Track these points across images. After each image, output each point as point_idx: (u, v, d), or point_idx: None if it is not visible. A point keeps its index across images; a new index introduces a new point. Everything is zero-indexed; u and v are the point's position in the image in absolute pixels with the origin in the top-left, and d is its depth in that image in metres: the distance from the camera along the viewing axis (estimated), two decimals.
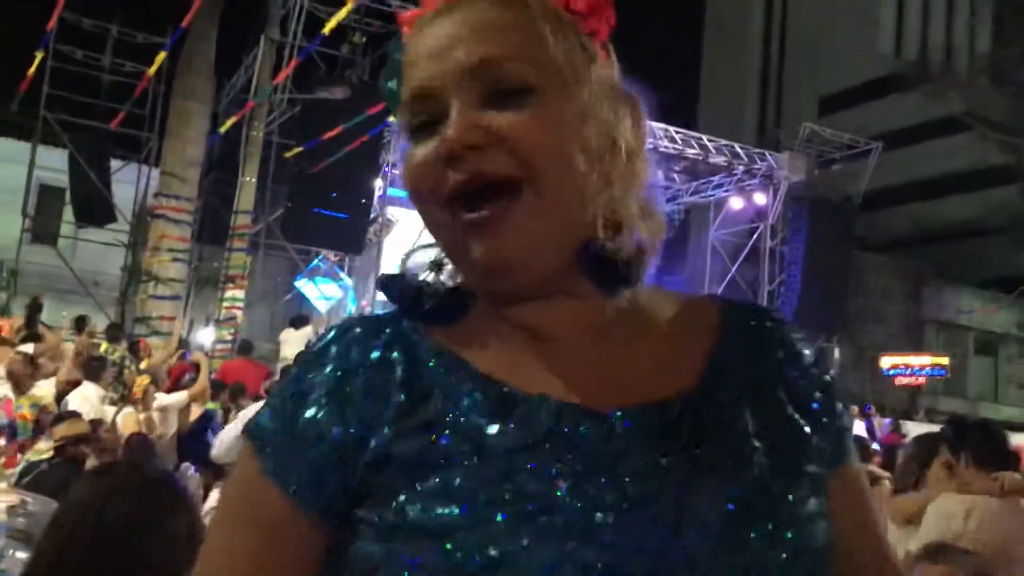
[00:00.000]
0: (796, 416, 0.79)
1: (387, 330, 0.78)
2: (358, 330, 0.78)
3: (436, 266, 0.82)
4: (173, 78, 13.01)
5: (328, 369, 0.75)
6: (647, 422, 0.73)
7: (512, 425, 0.71)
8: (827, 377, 0.85)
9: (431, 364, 0.76)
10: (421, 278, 0.82)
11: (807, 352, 0.84)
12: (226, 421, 8.32)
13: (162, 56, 9.78)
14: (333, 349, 0.77)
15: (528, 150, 0.71)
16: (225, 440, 4.74)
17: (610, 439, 0.72)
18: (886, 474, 6.80)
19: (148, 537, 1.60)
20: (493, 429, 0.71)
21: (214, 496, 6.07)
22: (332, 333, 0.79)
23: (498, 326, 0.79)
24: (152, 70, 10.37)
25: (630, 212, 0.78)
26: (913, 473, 4.19)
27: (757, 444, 0.75)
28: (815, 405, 0.81)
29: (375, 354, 0.76)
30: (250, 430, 0.77)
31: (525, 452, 0.70)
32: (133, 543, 1.58)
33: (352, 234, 15.27)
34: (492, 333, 0.78)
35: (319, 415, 0.74)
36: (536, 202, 0.72)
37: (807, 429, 0.79)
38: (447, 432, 0.71)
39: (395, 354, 0.76)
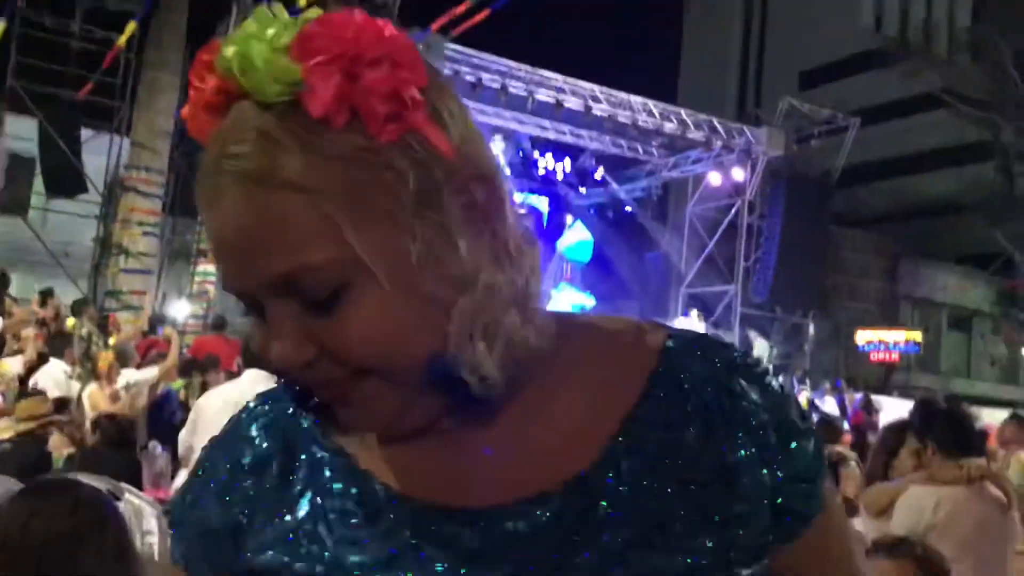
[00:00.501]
0: (728, 492, 0.69)
1: (278, 418, 0.79)
2: (254, 419, 0.80)
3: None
4: (144, 47, 12.79)
5: (225, 459, 0.79)
6: (518, 522, 0.67)
7: (374, 532, 0.69)
8: (792, 420, 0.73)
9: (304, 456, 0.75)
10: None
11: (770, 395, 0.73)
12: (187, 398, 8.21)
13: (132, 26, 9.57)
14: (231, 439, 0.80)
15: (357, 358, 0.64)
16: (183, 440, 4.58)
17: (475, 544, 0.67)
18: (852, 454, 6.86)
19: (75, 555, 1.56)
20: (352, 544, 0.69)
21: (182, 475, 6.02)
22: (240, 417, 0.81)
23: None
24: (122, 40, 10.14)
25: (512, 326, 0.67)
26: (882, 461, 4.21)
27: (658, 540, 0.67)
28: (764, 471, 0.71)
29: (263, 445, 0.77)
30: (167, 510, 0.84)
31: (382, 568, 0.67)
32: (60, 560, 1.55)
33: None
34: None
35: (208, 506, 0.77)
36: (388, 382, 0.66)
37: (741, 509, 0.69)
38: (303, 547, 0.71)
39: (276, 447, 0.77)
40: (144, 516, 4.12)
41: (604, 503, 0.67)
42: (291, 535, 0.71)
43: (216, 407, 4.29)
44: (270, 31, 0.62)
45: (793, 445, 0.73)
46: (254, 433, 0.78)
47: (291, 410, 0.78)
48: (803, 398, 15.40)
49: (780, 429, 0.72)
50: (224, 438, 0.81)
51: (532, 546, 0.67)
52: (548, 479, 0.69)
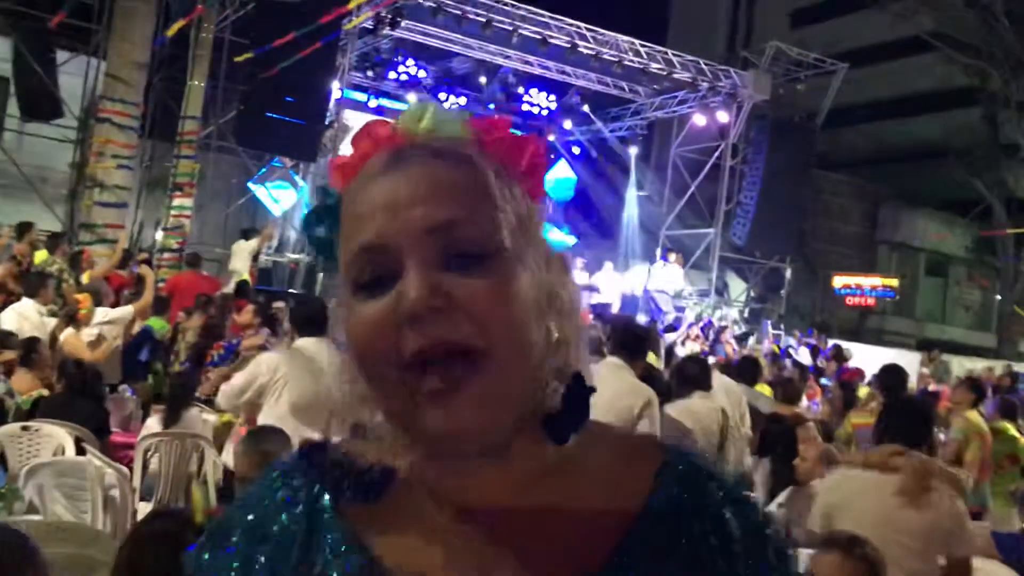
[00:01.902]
0: None
1: (298, 504, 0.80)
2: (280, 488, 0.82)
3: (357, 430, 0.80)
4: None
5: (247, 525, 0.80)
6: None
7: None
8: (776, 548, 0.81)
9: (330, 555, 0.77)
10: (343, 449, 0.81)
11: (755, 525, 0.81)
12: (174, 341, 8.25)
13: None
14: (255, 504, 0.82)
15: (488, 319, 0.70)
16: (230, 392, 4.54)
17: None
18: (810, 416, 7.02)
19: None
20: None
21: (152, 421, 6.11)
22: (267, 483, 0.83)
23: (415, 503, 0.78)
24: None
25: (577, 365, 0.78)
26: None
27: None
28: None
29: (288, 520, 0.79)
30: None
31: None
32: None
33: (306, 140, 15.03)
34: (407, 512, 0.79)
35: (223, 572, 0.79)
36: (495, 373, 0.70)
37: None
38: None
39: (301, 524, 0.79)
40: (106, 477, 4.23)
41: None
42: None
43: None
44: (445, 110, 0.79)
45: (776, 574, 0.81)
46: (280, 503, 0.81)
47: (317, 488, 0.81)
48: (774, 347, 15.61)
49: (764, 557, 0.80)
50: (248, 502, 0.82)
51: None
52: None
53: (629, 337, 4.87)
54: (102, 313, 7.90)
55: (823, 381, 12.04)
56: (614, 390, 4.45)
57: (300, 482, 0.82)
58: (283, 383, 4.22)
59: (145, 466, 5.45)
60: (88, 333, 7.53)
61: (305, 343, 4.41)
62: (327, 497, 0.80)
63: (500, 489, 0.77)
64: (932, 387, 12.77)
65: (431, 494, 0.78)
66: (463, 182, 0.73)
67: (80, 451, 4.78)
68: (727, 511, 0.80)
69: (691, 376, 5.08)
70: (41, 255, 9.11)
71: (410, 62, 19.03)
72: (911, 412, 3.86)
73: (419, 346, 0.69)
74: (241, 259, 11.83)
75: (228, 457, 4.84)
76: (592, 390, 0.78)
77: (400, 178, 0.73)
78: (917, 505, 3.34)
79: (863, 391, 9.61)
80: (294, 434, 4.09)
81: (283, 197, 16.19)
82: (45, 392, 5.89)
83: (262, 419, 4.17)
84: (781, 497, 5.35)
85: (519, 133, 0.79)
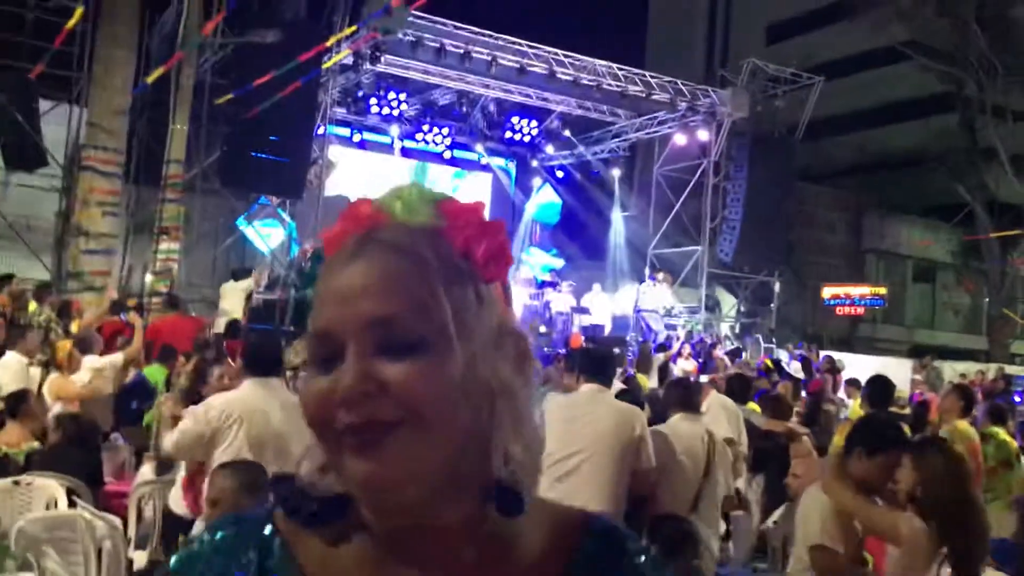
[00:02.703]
0: None
1: (247, 553, 0.88)
2: (217, 548, 0.89)
3: (323, 469, 0.86)
4: (100, 17, 12.52)
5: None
6: None
7: None
8: None
9: None
10: (307, 481, 0.86)
11: None
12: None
13: (79, 11, 9.37)
14: (208, 554, 0.89)
15: (413, 400, 0.77)
16: (178, 437, 4.35)
17: None
18: (804, 430, 7.02)
19: None
20: None
21: (146, 469, 6.09)
22: (197, 544, 0.90)
23: (365, 544, 0.85)
24: (71, 23, 9.92)
25: (514, 447, 0.83)
26: None
27: None
28: None
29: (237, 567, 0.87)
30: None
31: None
32: None
33: (292, 178, 15.07)
34: (355, 553, 0.86)
35: None
36: (415, 436, 0.78)
37: None
38: None
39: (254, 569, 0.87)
40: (96, 529, 4.23)
41: None
42: None
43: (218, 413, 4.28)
44: (423, 192, 0.87)
45: None
46: (228, 550, 0.89)
47: (269, 530, 0.89)
48: (767, 361, 15.65)
49: None
50: (200, 552, 0.89)
51: None
52: None
53: (594, 360, 4.88)
54: (92, 361, 7.88)
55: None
56: (608, 418, 4.46)
57: (243, 530, 0.90)
58: (237, 425, 4.18)
59: (140, 514, 5.44)
60: (78, 379, 7.51)
61: (257, 383, 4.37)
62: (280, 541, 0.88)
63: (432, 548, 0.84)
64: (924, 395, 12.80)
65: (373, 543, 0.85)
66: (411, 278, 0.80)
67: (72, 503, 4.77)
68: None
69: (674, 399, 5.09)
70: (31, 306, 9.10)
71: (392, 95, 19.15)
72: (881, 427, 3.89)
73: (349, 422, 0.78)
74: (231, 300, 11.85)
75: (173, 502, 4.81)
76: (521, 495, 0.84)
77: (357, 269, 0.81)
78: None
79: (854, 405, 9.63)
80: None
81: (272, 235, 16.24)
82: (36, 444, 5.87)
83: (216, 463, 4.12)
84: (776, 514, 5.37)
85: (487, 220, 0.87)
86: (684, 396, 5.02)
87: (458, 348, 0.80)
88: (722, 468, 4.77)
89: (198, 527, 4.14)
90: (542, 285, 18.05)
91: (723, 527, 5.24)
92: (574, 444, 4.24)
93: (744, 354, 16.72)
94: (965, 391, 7.03)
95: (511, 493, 0.83)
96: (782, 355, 17.44)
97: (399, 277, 0.80)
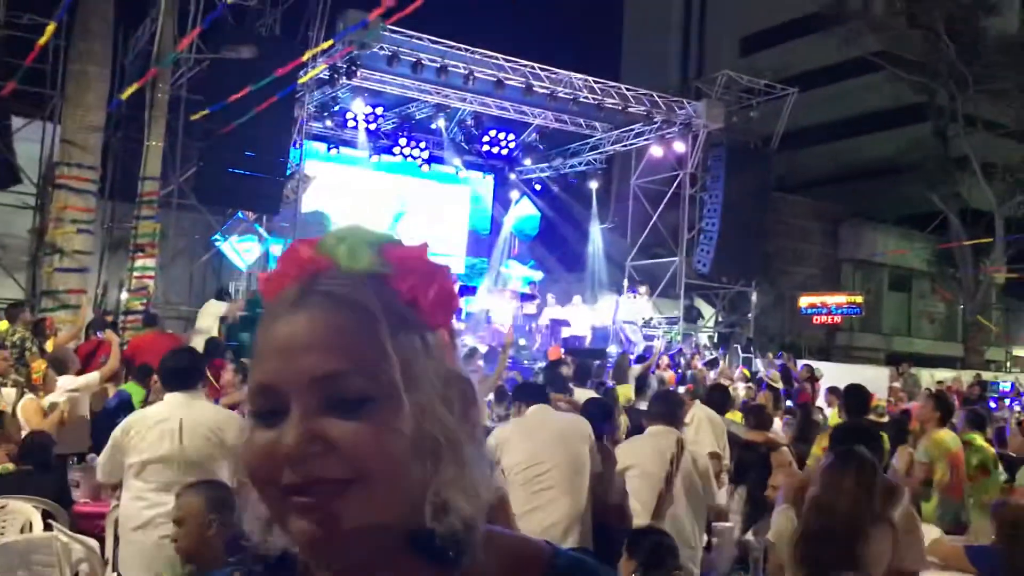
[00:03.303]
0: None
1: None
2: None
3: (269, 523, 0.83)
4: (72, 34, 12.43)
5: None
6: None
7: None
8: None
9: None
10: (256, 537, 0.84)
11: None
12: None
13: (52, 27, 9.28)
14: None
15: (363, 460, 0.75)
16: (101, 462, 4.45)
17: None
18: (783, 439, 7.05)
19: None
20: None
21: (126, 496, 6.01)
22: None
23: None
24: (43, 40, 9.82)
25: (457, 497, 0.80)
26: None
27: None
28: None
29: None
30: None
31: None
32: None
33: (268, 193, 15.03)
34: None
35: None
36: (363, 496, 0.75)
37: None
38: None
39: None
40: (73, 552, 4.17)
41: None
42: None
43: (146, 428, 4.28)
44: (366, 235, 0.83)
45: None
46: None
47: None
48: (744, 371, 15.71)
49: None
50: None
51: None
52: None
53: (530, 388, 5.59)
54: (67, 381, 7.78)
55: (789, 404, 12.11)
56: (562, 427, 4.88)
57: None
58: (137, 439, 4.16)
59: (117, 537, 5.36)
60: (52, 400, 7.40)
61: (170, 398, 4.36)
62: None
63: None
64: (903, 405, 12.87)
65: None
66: (356, 332, 0.77)
67: (48, 527, 4.70)
68: None
69: (655, 411, 5.20)
70: (2, 325, 8.97)
71: (368, 109, 19.15)
72: (858, 436, 3.92)
73: (292, 482, 0.75)
74: (209, 319, 11.75)
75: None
76: (472, 530, 0.81)
77: (299, 321, 0.78)
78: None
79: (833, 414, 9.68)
80: (140, 493, 4.09)
81: (248, 250, 16.14)
82: (11, 467, 5.79)
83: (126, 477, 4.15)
84: (757, 525, 5.38)
85: (433, 264, 0.84)
86: (665, 409, 5.10)
87: (406, 402, 0.77)
88: (688, 479, 4.84)
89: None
90: (522, 298, 18.06)
91: (705, 539, 5.25)
92: (539, 456, 4.63)
93: (720, 364, 16.78)
94: (942, 400, 7.04)
95: (444, 549, 0.79)
96: (759, 365, 17.51)
97: (345, 332, 0.77)
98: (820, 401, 12.99)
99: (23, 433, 6.45)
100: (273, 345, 0.78)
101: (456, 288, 0.86)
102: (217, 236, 16.07)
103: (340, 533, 0.75)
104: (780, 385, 13.61)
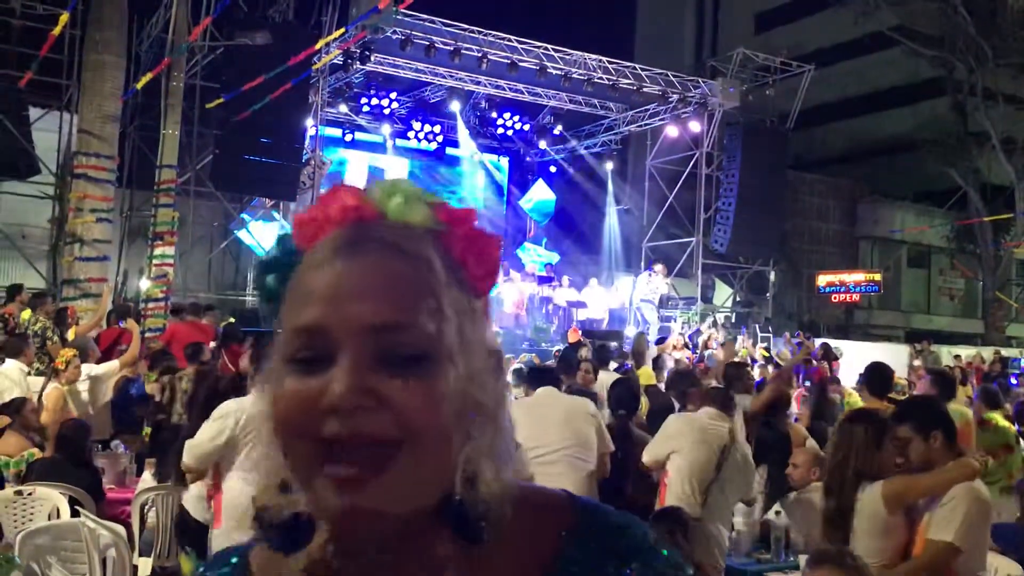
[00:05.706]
0: None
1: None
2: None
3: (283, 487, 0.78)
4: (88, 23, 12.49)
5: None
6: None
7: None
8: None
9: None
10: (272, 503, 0.78)
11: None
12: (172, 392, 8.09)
13: (65, 17, 9.31)
14: None
15: (413, 418, 0.70)
16: (196, 447, 4.26)
17: None
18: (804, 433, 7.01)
19: None
20: None
21: (147, 475, 6.07)
22: None
23: (329, 564, 0.79)
24: (56, 30, 9.86)
25: (487, 467, 0.77)
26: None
27: None
28: None
29: None
30: None
31: None
32: None
33: (284, 179, 15.07)
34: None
35: None
36: (411, 464, 0.71)
37: None
38: None
39: None
40: (100, 537, 4.23)
41: None
42: None
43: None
44: (418, 190, 0.80)
45: None
46: None
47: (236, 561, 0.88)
48: (761, 351, 15.66)
49: None
50: None
51: None
52: None
53: (539, 372, 5.87)
54: (87, 369, 7.85)
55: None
56: (569, 408, 5.16)
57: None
58: (255, 435, 4.09)
59: (143, 520, 5.44)
60: (79, 388, 7.48)
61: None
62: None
63: (405, 569, 0.78)
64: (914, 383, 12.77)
65: (340, 560, 0.79)
66: (414, 283, 0.73)
67: (76, 512, 4.77)
68: (633, 565, 0.81)
69: (711, 397, 5.47)
70: (25, 314, 9.08)
71: (383, 94, 19.14)
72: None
73: (337, 433, 0.70)
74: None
75: (189, 503, 4.78)
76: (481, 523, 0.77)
77: (353, 267, 0.73)
78: None
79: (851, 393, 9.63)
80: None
81: (267, 235, 16.21)
82: (36, 452, 5.86)
83: (235, 472, 4.07)
84: (779, 504, 5.38)
85: (486, 229, 0.81)
86: (721, 399, 5.37)
87: (460, 364, 0.74)
88: (738, 473, 5.01)
89: (215, 537, 4.14)
90: (540, 281, 18.06)
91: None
92: (546, 437, 4.83)
93: (739, 342, 16.73)
94: (942, 378, 6.96)
95: (471, 519, 0.75)
96: (779, 344, 17.45)
97: (405, 282, 0.73)
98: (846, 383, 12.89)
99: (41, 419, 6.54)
100: (320, 290, 0.73)
101: (501, 261, 0.84)
102: (235, 223, 16.15)
103: (378, 500, 0.71)
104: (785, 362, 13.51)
